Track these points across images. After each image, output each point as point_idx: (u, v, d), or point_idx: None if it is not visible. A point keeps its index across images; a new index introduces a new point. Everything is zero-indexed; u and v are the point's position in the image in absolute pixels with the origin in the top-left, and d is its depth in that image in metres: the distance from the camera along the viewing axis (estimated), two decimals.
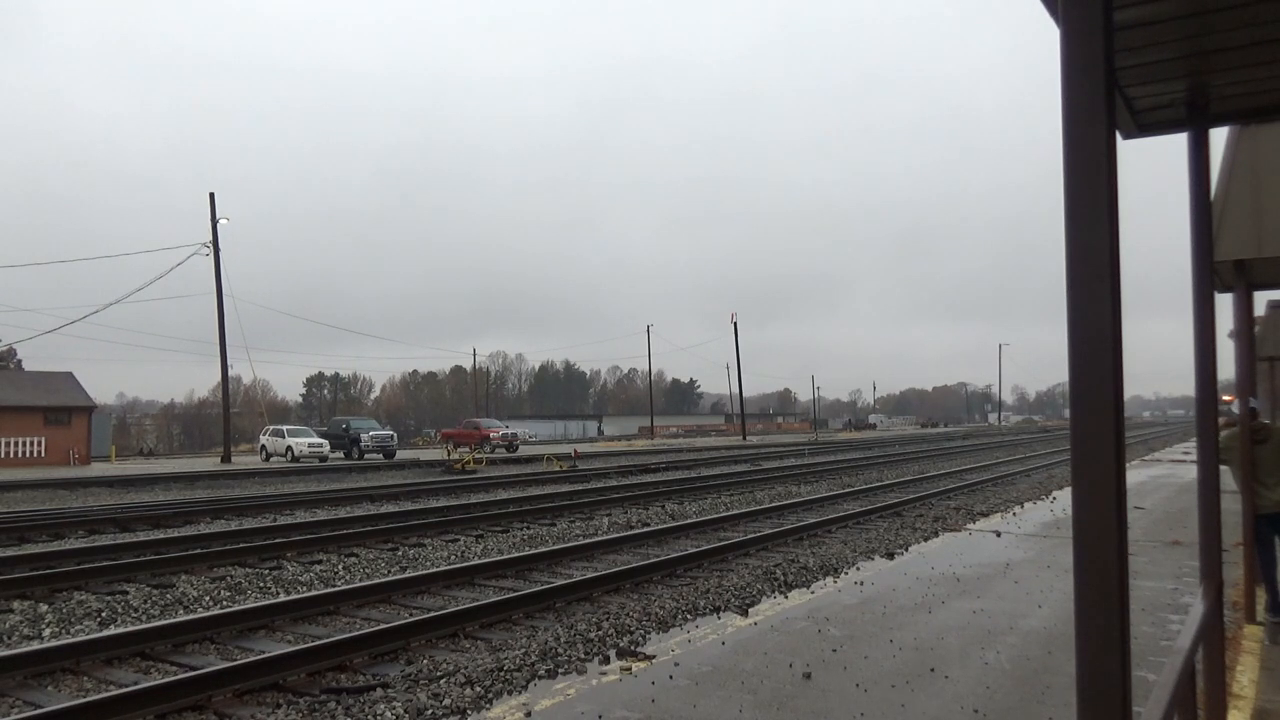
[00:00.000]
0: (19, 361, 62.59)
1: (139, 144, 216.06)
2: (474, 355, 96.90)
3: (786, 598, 9.05)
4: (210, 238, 40.96)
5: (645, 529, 15.35)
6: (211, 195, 41.26)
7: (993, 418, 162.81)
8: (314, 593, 10.05)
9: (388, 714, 6.04)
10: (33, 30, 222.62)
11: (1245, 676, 5.72)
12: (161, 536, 15.28)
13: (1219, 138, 6.69)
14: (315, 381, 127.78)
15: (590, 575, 10.66)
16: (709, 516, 17.08)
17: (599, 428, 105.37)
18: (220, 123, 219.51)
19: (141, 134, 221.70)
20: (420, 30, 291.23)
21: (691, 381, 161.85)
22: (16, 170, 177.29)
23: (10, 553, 13.41)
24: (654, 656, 6.68)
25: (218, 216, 41.28)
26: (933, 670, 6.15)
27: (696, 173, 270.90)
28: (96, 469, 38.64)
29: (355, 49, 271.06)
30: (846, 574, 10.31)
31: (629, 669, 6.38)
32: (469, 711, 5.98)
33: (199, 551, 13.17)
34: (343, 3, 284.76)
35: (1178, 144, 4.23)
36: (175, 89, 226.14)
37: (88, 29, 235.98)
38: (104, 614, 9.49)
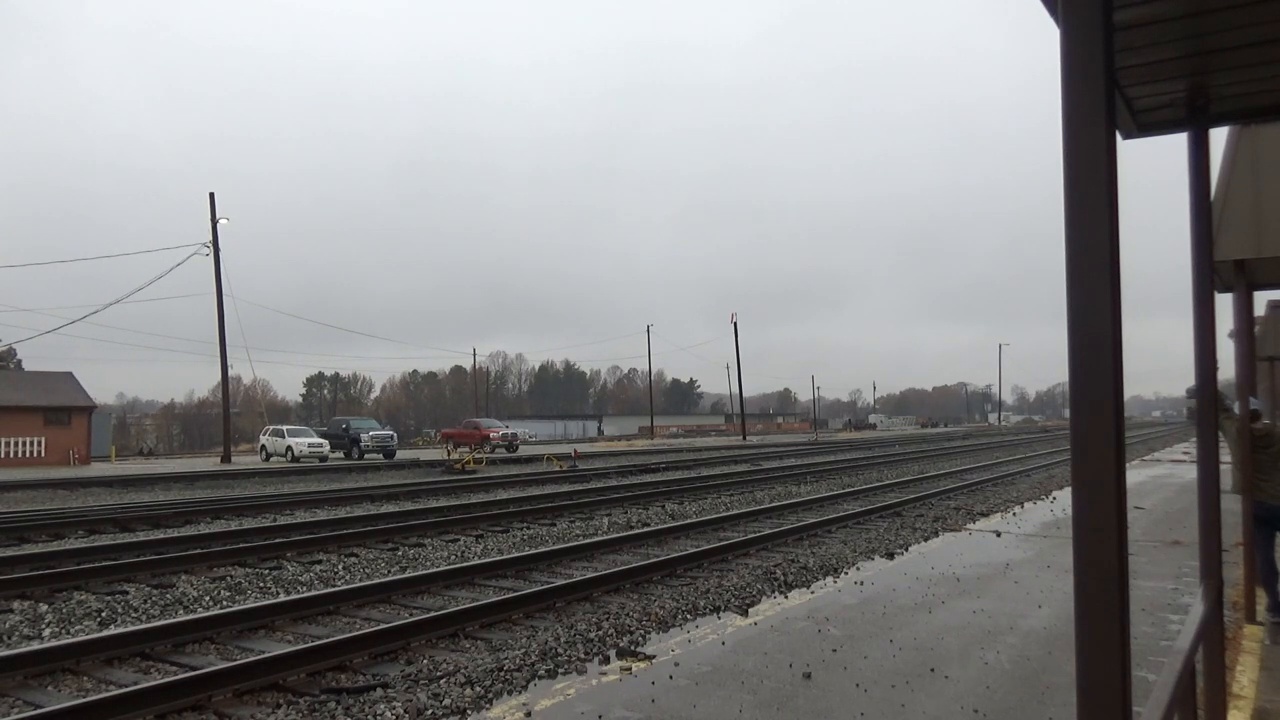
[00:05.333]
0: (19, 361, 62.59)
1: (150, 139, 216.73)
2: (474, 355, 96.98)
3: (786, 598, 9.05)
4: (210, 238, 41.00)
5: (645, 529, 15.35)
6: (211, 195, 41.27)
7: (993, 418, 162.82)
8: (314, 593, 10.05)
9: (388, 714, 6.04)
10: (54, 22, 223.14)
11: (1245, 676, 5.72)
12: (161, 536, 15.28)
13: (1219, 138, 6.69)
14: (315, 381, 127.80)
15: (590, 575, 10.66)
16: (709, 516, 17.08)
17: (599, 428, 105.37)
18: (233, 117, 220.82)
19: (153, 128, 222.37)
20: (436, 20, 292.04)
21: (691, 381, 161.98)
22: (26, 168, 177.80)
23: (10, 553, 13.40)
24: (654, 656, 6.68)
25: (218, 216, 41.30)
26: (933, 670, 6.15)
27: (703, 166, 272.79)
28: (96, 469, 38.63)
29: (372, 38, 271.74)
30: (846, 574, 10.31)
31: (629, 669, 6.38)
32: (469, 711, 5.98)
33: (199, 551, 13.16)
34: None
35: (1178, 144, 4.23)
36: (187, 82, 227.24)
37: (102, 23, 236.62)
38: (104, 614, 9.49)
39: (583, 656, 7.21)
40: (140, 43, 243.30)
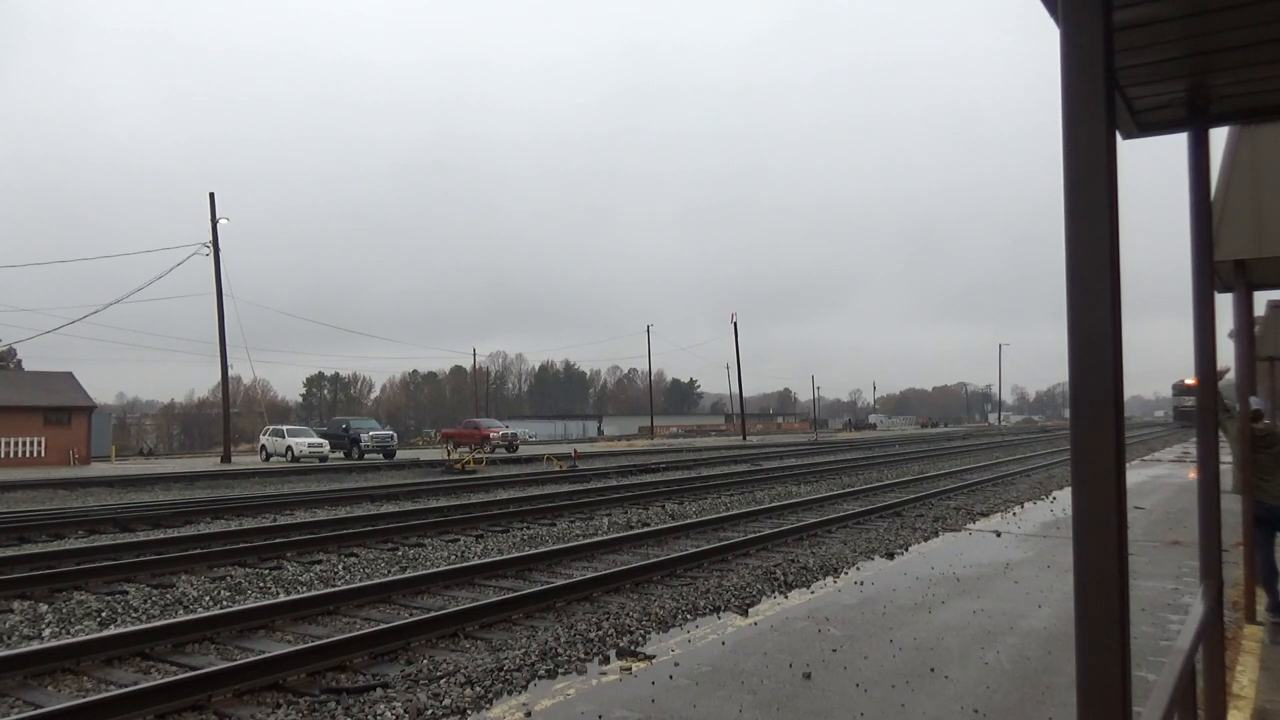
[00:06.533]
0: (19, 361, 62.56)
1: (152, 140, 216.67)
2: (474, 355, 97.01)
3: (786, 598, 9.05)
4: (210, 238, 41.01)
5: (645, 529, 15.35)
6: (211, 195, 41.28)
7: (992, 418, 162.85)
8: (314, 593, 10.05)
9: (387, 714, 6.04)
10: (58, 23, 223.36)
11: (1245, 676, 5.73)
12: (161, 536, 15.28)
13: (1219, 138, 6.69)
14: (315, 381, 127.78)
15: (590, 575, 10.66)
16: (709, 516, 17.08)
17: (599, 428, 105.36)
18: (235, 118, 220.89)
19: (155, 129, 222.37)
20: (439, 22, 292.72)
21: (691, 381, 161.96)
22: (28, 169, 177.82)
23: (10, 553, 13.40)
24: (654, 656, 6.68)
25: (218, 216, 41.33)
26: (933, 670, 6.15)
27: (706, 167, 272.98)
28: (96, 469, 38.63)
29: (375, 40, 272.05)
30: (846, 574, 10.31)
31: (629, 669, 6.38)
32: (469, 711, 5.98)
33: (199, 551, 13.17)
34: None
35: (1178, 144, 4.24)
36: (190, 84, 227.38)
37: (106, 25, 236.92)
38: (104, 614, 9.49)
39: (583, 656, 7.21)
40: (143, 44, 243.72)
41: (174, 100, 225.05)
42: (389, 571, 11.97)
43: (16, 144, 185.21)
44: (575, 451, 41.08)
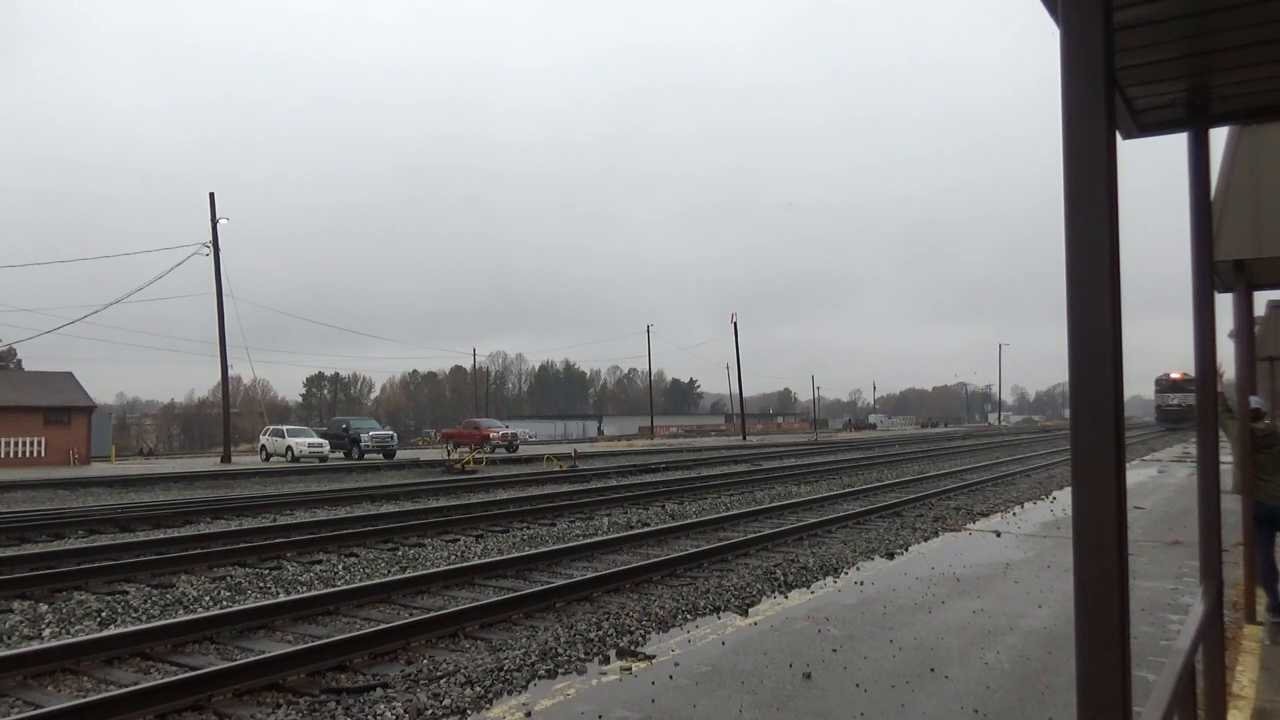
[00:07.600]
0: (19, 361, 62.54)
1: (154, 140, 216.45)
2: (474, 355, 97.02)
3: (786, 598, 9.06)
4: (210, 238, 41.01)
5: (645, 529, 15.34)
6: (211, 195, 41.29)
7: (992, 418, 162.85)
8: (314, 593, 10.05)
9: (388, 714, 6.04)
10: (61, 23, 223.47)
11: (1245, 676, 5.73)
12: (161, 536, 15.28)
13: (1219, 138, 6.69)
14: (315, 381, 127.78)
15: (590, 575, 10.66)
16: (709, 516, 17.07)
17: (599, 428, 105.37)
18: (237, 119, 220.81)
19: (157, 130, 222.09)
20: (442, 24, 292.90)
21: (691, 381, 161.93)
22: (30, 168, 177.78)
23: (10, 553, 13.40)
24: (654, 656, 6.68)
25: (219, 216, 41.33)
26: (933, 670, 6.15)
27: (707, 168, 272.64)
28: (96, 469, 38.63)
29: (377, 42, 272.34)
30: (846, 574, 10.31)
31: (629, 669, 6.38)
32: (469, 711, 5.98)
33: (199, 551, 13.16)
34: None
35: (1178, 144, 4.24)
36: (191, 84, 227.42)
37: (109, 24, 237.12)
38: (104, 614, 9.49)
39: (583, 656, 7.21)
40: (146, 45, 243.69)
41: (175, 101, 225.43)
42: (389, 571, 11.96)
43: (17, 144, 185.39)
44: (575, 451, 41.08)
